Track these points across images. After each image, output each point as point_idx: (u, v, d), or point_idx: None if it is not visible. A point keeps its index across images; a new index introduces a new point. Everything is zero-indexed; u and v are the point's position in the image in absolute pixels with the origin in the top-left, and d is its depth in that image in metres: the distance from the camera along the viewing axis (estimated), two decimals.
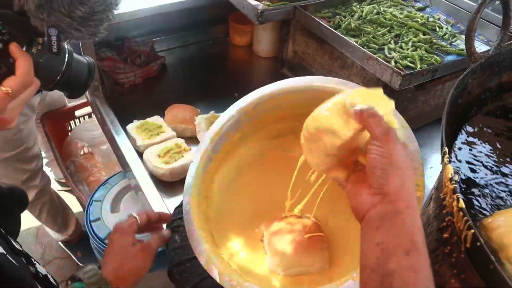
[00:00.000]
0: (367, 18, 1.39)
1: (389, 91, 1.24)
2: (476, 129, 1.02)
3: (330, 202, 0.91)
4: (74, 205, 2.19)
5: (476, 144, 0.99)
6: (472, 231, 0.66)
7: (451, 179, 0.72)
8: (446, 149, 0.75)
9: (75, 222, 2.12)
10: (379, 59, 1.16)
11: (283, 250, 0.86)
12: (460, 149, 0.97)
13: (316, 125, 0.69)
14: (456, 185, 0.70)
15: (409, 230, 0.57)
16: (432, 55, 1.25)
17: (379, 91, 0.69)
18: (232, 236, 0.94)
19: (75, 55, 0.78)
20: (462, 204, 0.68)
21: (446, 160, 0.74)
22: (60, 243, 2.22)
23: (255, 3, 1.37)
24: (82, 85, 0.80)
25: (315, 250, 0.88)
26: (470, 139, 0.99)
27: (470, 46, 0.95)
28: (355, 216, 0.64)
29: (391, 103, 0.68)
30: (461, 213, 0.69)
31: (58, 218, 2.01)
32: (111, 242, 0.91)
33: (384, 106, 0.67)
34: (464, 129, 1.00)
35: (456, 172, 0.89)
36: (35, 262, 0.89)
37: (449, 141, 0.94)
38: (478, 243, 0.65)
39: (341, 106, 0.66)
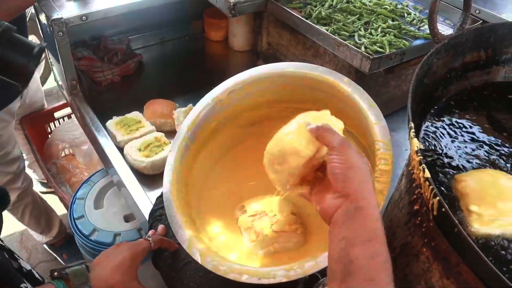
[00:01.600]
0: (338, 7, 1.43)
1: (360, 76, 1.28)
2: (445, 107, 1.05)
3: None
4: (58, 208, 2.19)
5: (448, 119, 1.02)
6: (438, 198, 0.70)
7: (417, 152, 0.75)
8: (412, 124, 0.79)
9: (59, 223, 2.12)
10: (349, 45, 1.20)
11: (260, 230, 0.89)
12: (431, 125, 1.01)
13: (279, 148, 0.76)
14: (421, 157, 0.74)
15: (368, 222, 0.64)
16: (400, 39, 1.29)
17: (327, 112, 0.79)
18: (213, 220, 0.96)
19: (17, 36, 0.75)
20: (427, 174, 0.72)
21: (412, 134, 0.77)
22: (45, 245, 2.22)
23: None
24: (22, 68, 0.76)
25: (291, 228, 0.91)
26: (442, 116, 1.03)
27: (433, 27, 0.99)
28: (324, 220, 0.70)
29: (340, 122, 0.78)
30: (427, 182, 0.72)
31: (42, 219, 2.01)
32: (116, 254, 0.87)
33: (335, 124, 0.77)
34: (433, 108, 1.04)
35: (427, 148, 0.93)
36: (18, 257, 0.90)
37: (418, 119, 0.98)
38: (443, 209, 0.69)
39: (301, 127, 0.74)
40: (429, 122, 1.00)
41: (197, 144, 1.01)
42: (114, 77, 1.70)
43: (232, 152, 1.10)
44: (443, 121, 1.01)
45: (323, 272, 0.77)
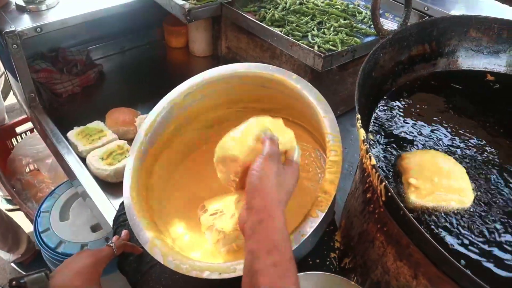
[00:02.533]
0: (291, 8, 1.46)
1: (317, 75, 1.32)
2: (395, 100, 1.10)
3: None
4: (26, 225, 2.15)
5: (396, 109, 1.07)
6: (384, 183, 0.74)
7: (364, 141, 0.79)
8: (359, 116, 0.83)
9: (26, 240, 2.08)
10: (302, 44, 1.23)
11: (222, 227, 0.90)
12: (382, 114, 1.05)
13: (222, 153, 0.82)
14: (368, 146, 0.78)
15: (270, 234, 0.67)
16: (352, 37, 1.34)
17: (280, 121, 0.84)
18: (176, 221, 0.98)
19: None
20: (373, 161, 0.76)
21: (358, 125, 0.81)
22: (13, 264, 2.17)
23: (182, 2, 1.41)
24: None
25: None
26: (389, 107, 1.07)
27: (377, 23, 1.03)
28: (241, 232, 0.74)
29: (290, 131, 0.83)
30: (374, 170, 0.76)
31: (8, 236, 1.97)
32: (77, 260, 0.87)
33: (284, 132, 0.82)
34: (383, 99, 1.08)
35: (376, 135, 0.97)
36: None
37: (369, 111, 1.02)
38: (389, 193, 0.73)
39: (246, 134, 0.79)
40: (380, 112, 1.04)
41: (156, 147, 1.02)
42: (74, 88, 1.69)
43: (193, 154, 1.11)
44: (393, 109, 1.05)
45: None
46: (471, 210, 0.81)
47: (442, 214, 0.80)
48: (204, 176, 1.07)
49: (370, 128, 1.00)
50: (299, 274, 0.81)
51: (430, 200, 0.79)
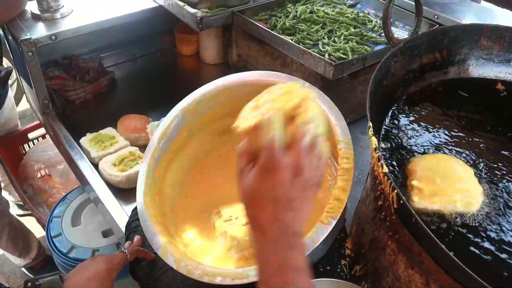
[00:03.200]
0: (301, 17, 1.48)
1: (327, 83, 1.33)
2: (406, 107, 1.11)
3: None
4: (36, 230, 2.17)
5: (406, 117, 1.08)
6: (396, 191, 0.74)
7: (375, 149, 0.79)
8: (370, 124, 0.83)
9: (37, 245, 2.10)
10: (313, 52, 1.24)
11: (235, 234, 0.91)
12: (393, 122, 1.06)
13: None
14: (380, 154, 0.78)
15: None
16: (362, 46, 1.35)
17: (296, 85, 0.70)
18: (188, 227, 0.99)
19: None
20: (385, 169, 0.76)
21: (370, 133, 0.82)
22: (23, 269, 2.19)
23: (194, 11, 1.43)
24: None
25: None
26: (400, 114, 1.08)
27: (388, 32, 1.04)
28: None
29: (312, 92, 0.69)
30: (385, 177, 0.76)
31: (19, 241, 1.99)
32: (91, 265, 0.88)
33: (305, 96, 0.67)
34: (394, 107, 1.09)
35: (388, 146, 0.98)
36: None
37: (380, 118, 1.02)
38: (401, 201, 0.73)
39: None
40: (391, 119, 1.05)
41: (169, 154, 1.03)
42: (87, 95, 1.71)
43: (205, 160, 1.13)
44: (404, 116, 1.06)
45: None
46: (481, 214, 0.81)
47: (452, 218, 0.80)
48: (216, 182, 1.09)
49: (381, 136, 1.00)
50: None
51: (434, 202, 0.80)
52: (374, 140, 0.80)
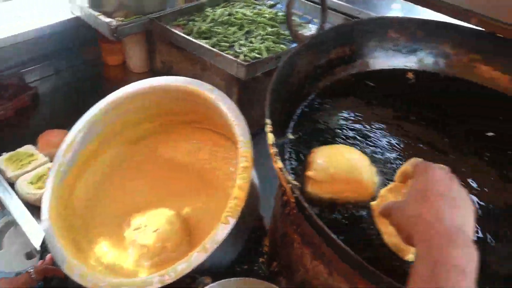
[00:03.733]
0: (219, 20, 1.48)
1: (244, 84, 1.33)
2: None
3: (189, 194, 1.01)
4: None
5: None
6: (290, 185, 0.75)
7: (272, 145, 0.80)
8: (268, 120, 0.84)
9: None
10: (225, 54, 1.25)
11: (144, 242, 0.90)
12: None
13: None
14: (275, 149, 0.79)
15: None
16: (278, 44, 1.36)
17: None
18: (101, 239, 0.96)
19: None
20: (279, 164, 0.77)
21: (266, 129, 0.82)
22: None
23: (108, 20, 1.41)
24: None
25: (176, 237, 0.92)
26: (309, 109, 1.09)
27: (292, 30, 1.05)
28: None
29: None
30: (280, 172, 0.77)
31: None
32: None
33: None
34: (303, 102, 1.09)
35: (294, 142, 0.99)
36: None
37: (288, 114, 1.02)
38: (295, 194, 0.74)
39: None
40: (299, 115, 1.05)
41: (78, 166, 1.01)
42: (7, 112, 1.65)
43: (119, 170, 1.10)
44: (314, 110, 1.07)
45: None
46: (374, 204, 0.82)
47: (346, 207, 0.82)
48: (131, 192, 1.07)
49: (290, 130, 1.00)
50: (213, 284, 0.81)
51: (328, 192, 0.81)
52: (270, 136, 0.81)
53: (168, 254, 0.91)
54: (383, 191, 0.79)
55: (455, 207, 0.55)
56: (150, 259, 0.89)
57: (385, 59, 1.25)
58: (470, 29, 1.19)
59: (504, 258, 0.77)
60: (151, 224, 0.93)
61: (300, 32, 1.11)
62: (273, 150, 0.79)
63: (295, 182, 0.78)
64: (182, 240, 0.93)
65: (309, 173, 0.82)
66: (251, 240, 1.03)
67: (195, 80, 0.96)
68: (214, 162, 1.11)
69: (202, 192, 1.04)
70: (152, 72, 1.82)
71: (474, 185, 0.89)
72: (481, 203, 0.85)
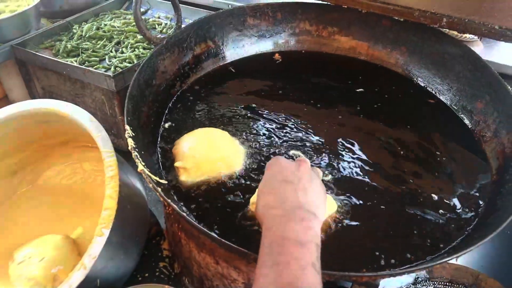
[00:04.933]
0: (87, 35, 1.45)
1: (124, 94, 1.31)
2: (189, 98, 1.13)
3: (77, 215, 1.01)
4: None
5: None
6: (151, 184, 0.76)
7: (132, 149, 0.80)
8: (127, 126, 0.84)
9: None
10: (93, 69, 1.23)
11: (31, 274, 0.87)
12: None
13: None
14: (136, 153, 0.79)
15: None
16: (149, 50, 1.36)
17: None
18: None
19: None
20: (140, 166, 0.77)
21: (126, 135, 0.82)
22: None
23: None
24: None
25: (67, 260, 0.90)
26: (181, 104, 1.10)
27: (144, 33, 1.06)
28: None
29: None
30: (144, 173, 0.77)
31: None
32: None
33: None
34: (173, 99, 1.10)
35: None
36: None
37: (157, 116, 1.03)
38: (159, 192, 0.75)
39: None
40: (171, 113, 1.06)
41: None
42: None
43: (4, 204, 1.06)
44: (186, 106, 1.08)
45: None
46: (243, 174, 0.88)
47: (221, 184, 0.86)
48: (21, 224, 1.03)
49: (161, 129, 1.01)
50: None
51: (199, 176, 0.85)
52: (130, 141, 0.81)
53: (63, 279, 0.88)
54: None
55: (299, 189, 0.63)
56: None
57: (252, 46, 1.30)
58: (319, 4, 1.26)
59: None
60: (35, 254, 0.90)
61: (154, 34, 1.12)
62: (134, 154, 0.80)
63: (156, 178, 0.79)
64: (75, 262, 0.91)
65: (177, 163, 0.85)
66: (151, 246, 1.03)
67: (51, 100, 0.94)
68: (99, 177, 1.10)
69: (89, 210, 1.03)
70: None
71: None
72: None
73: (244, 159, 0.89)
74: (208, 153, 0.86)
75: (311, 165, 0.75)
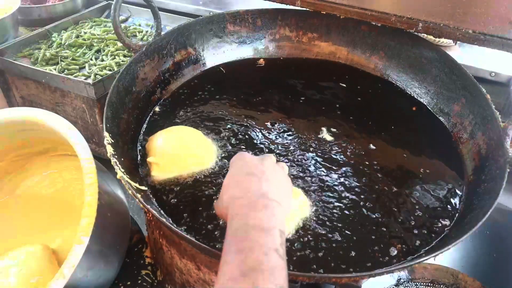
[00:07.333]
0: (66, 43, 1.44)
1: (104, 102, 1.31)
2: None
3: (57, 225, 0.99)
4: None
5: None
6: (131, 191, 0.76)
7: (111, 156, 0.80)
8: (106, 133, 0.84)
9: None
10: (72, 78, 1.22)
11: (9, 284, 0.85)
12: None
13: None
14: (114, 160, 0.79)
15: None
16: (129, 58, 1.35)
17: None
18: None
19: None
20: (120, 173, 0.77)
21: (105, 142, 0.82)
22: None
23: None
24: None
25: (46, 271, 0.89)
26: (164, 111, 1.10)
27: (123, 40, 1.06)
28: None
29: None
30: (123, 180, 0.77)
31: None
32: None
33: None
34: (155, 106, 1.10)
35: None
36: None
37: (137, 122, 1.03)
38: (138, 197, 0.74)
39: None
40: (153, 119, 1.06)
41: None
42: None
43: None
44: (168, 112, 1.09)
45: None
46: (216, 171, 0.90)
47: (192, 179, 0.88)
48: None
49: (142, 136, 1.01)
50: None
51: (171, 172, 0.87)
52: (109, 148, 0.81)
53: None
54: None
55: (263, 180, 0.65)
56: None
57: (232, 53, 1.30)
58: (298, 11, 1.27)
59: None
60: (14, 265, 0.89)
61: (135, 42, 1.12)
62: (113, 161, 0.79)
63: (136, 185, 0.79)
64: (55, 272, 0.90)
65: (150, 159, 0.88)
66: (133, 254, 1.02)
67: (28, 108, 0.93)
68: (79, 186, 1.09)
69: (69, 220, 1.01)
70: None
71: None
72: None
73: (217, 157, 0.93)
74: (180, 149, 0.90)
75: (277, 161, 0.76)
